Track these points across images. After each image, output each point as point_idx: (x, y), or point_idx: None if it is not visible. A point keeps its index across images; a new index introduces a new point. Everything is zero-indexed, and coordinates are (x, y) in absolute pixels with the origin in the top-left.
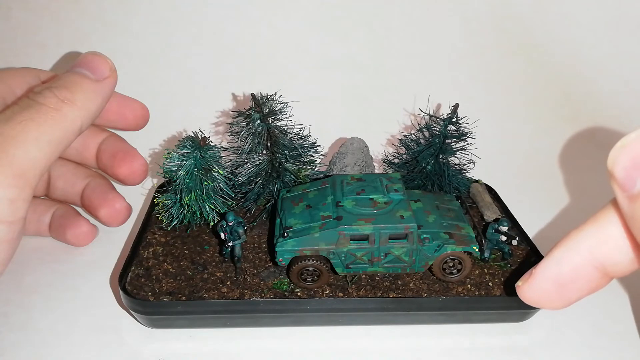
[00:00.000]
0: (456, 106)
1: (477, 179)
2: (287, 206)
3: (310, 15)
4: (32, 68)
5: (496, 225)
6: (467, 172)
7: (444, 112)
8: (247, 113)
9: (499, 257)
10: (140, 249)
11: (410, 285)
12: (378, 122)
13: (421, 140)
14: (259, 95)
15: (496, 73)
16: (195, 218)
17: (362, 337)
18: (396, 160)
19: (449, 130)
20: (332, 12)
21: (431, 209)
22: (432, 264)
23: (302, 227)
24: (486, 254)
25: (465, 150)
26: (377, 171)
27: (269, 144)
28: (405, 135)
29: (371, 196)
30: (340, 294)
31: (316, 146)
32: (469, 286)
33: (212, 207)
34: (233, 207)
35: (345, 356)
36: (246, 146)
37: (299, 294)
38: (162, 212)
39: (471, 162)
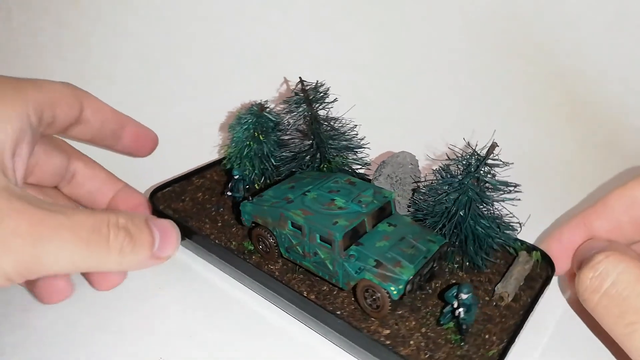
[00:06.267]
0: (493, 146)
1: (535, 246)
2: (283, 182)
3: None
4: (76, 88)
5: (457, 289)
6: (515, 231)
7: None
8: (297, 97)
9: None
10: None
11: (341, 300)
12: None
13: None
14: (306, 83)
15: (497, 74)
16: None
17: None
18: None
19: (481, 173)
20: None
21: (394, 236)
22: (355, 287)
23: (265, 199)
24: (442, 319)
25: (504, 201)
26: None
27: (313, 130)
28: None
29: (335, 198)
30: (286, 276)
31: (363, 145)
32: (411, 342)
33: (251, 167)
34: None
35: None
36: (291, 123)
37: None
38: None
39: (515, 221)
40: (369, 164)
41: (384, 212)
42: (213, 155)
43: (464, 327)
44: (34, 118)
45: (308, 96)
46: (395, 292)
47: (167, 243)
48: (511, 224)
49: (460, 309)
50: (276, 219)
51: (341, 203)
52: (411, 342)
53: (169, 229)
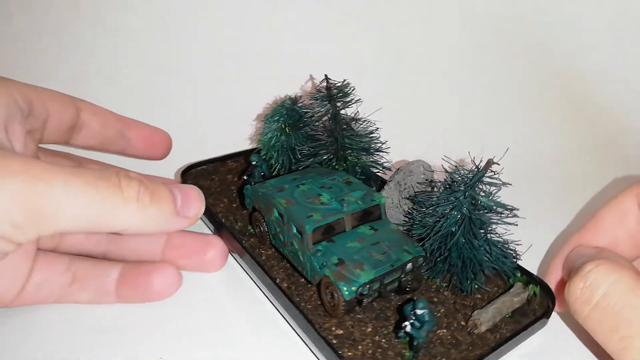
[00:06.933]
0: (489, 163)
1: (536, 278)
2: (292, 173)
3: None
4: (72, 96)
5: (413, 304)
6: (516, 257)
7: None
8: (321, 94)
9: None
10: None
11: (311, 294)
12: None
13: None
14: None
15: (498, 75)
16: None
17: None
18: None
19: (476, 190)
20: None
21: (369, 240)
22: (320, 282)
23: (265, 186)
24: (400, 333)
25: (499, 223)
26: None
27: (335, 128)
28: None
29: (323, 193)
30: (270, 262)
31: (382, 149)
32: (360, 347)
33: (276, 158)
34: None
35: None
36: (315, 116)
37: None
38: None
39: (517, 247)
40: (389, 169)
41: (370, 215)
42: (252, 144)
43: (415, 342)
44: (22, 103)
45: (331, 94)
46: (346, 292)
47: (189, 201)
48: (510, 250)
49: (407, 322)
50: (267, 206)
51: (325, 199)
52: (359, 347)
53: (189, 189)
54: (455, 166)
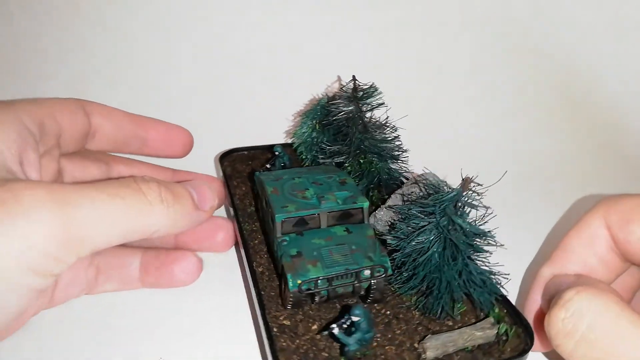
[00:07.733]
0: (466, 180)
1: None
2: (300, 167)
3: None
4: (77, 99)
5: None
6: (491, 291)
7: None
8: (346, 94)
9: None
10: None
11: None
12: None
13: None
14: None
15: (497, 75)
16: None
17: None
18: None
19: (457, 211)
20: None
21: (337, 240)
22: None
23: (270, 175)
24: (324, 333)
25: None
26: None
27: (353, 130)
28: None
29: (309, 188)
30: (262, 247)
31: (398, 157)
32: (297, 341)
33: (306, 152)
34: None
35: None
36: (337, 116)
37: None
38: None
39: (486, 281)
40: (407, 178)
41: (350, 217)
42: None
43: (346, 349)
44: (32, 126)
45: (356, 96)
46: (290, 284)
47: (204, 195)
48: (496, 282)
49: (335, 325)
50: (262, 193)
51: (309, 194)
52: (297, 341)
53: (200, 184)
54: (443, 181)
